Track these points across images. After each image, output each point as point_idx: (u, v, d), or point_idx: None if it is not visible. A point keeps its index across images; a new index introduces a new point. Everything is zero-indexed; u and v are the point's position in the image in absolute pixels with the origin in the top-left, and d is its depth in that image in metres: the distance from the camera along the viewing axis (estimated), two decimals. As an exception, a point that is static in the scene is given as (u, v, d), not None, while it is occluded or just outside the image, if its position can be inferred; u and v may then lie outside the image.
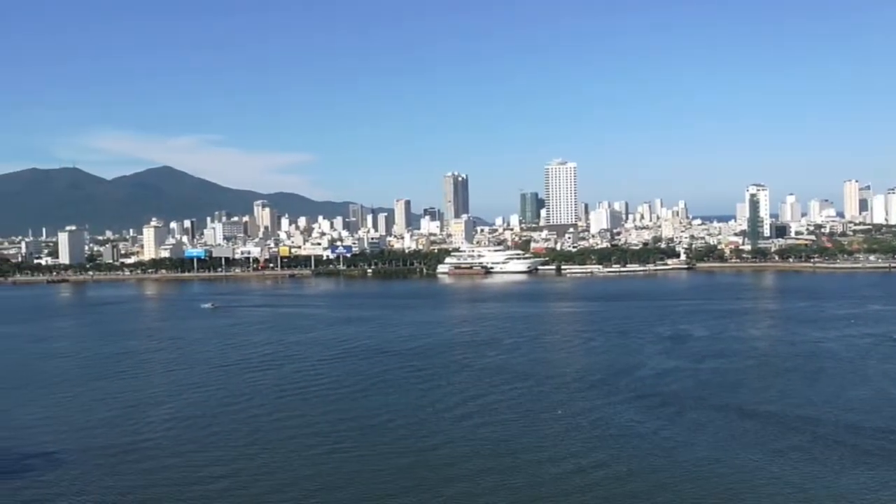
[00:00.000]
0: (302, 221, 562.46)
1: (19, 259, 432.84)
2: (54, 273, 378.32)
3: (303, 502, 59.17)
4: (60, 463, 69.74)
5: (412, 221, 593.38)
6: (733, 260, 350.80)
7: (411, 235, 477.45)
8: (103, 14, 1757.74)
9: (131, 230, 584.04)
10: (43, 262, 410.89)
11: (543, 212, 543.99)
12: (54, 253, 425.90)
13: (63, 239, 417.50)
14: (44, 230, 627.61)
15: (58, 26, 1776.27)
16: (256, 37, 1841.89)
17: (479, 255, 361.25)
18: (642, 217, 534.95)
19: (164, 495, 60.75)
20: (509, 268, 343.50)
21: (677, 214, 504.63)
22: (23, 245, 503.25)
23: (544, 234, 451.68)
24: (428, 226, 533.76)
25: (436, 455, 69.49)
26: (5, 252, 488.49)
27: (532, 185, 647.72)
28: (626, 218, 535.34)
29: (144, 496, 60.81)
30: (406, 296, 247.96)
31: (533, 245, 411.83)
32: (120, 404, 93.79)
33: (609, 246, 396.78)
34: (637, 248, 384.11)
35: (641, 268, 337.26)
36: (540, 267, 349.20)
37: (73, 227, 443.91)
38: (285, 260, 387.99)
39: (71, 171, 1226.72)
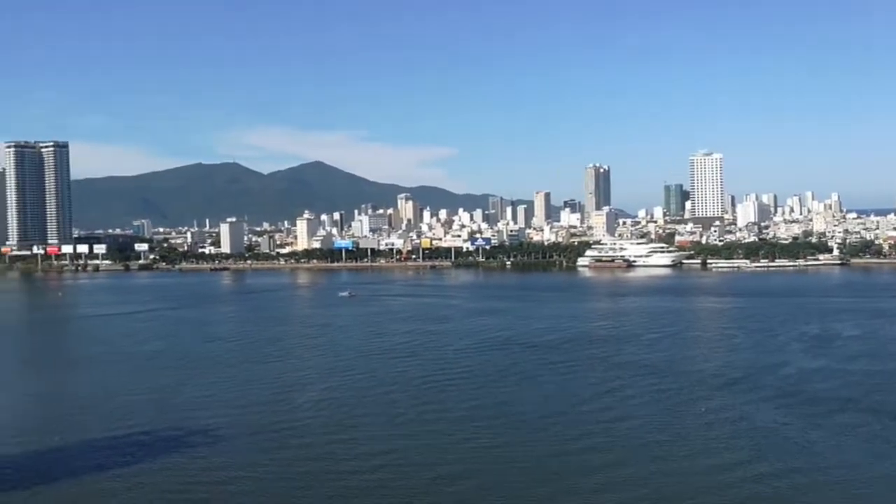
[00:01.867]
0: (443, 214, 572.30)
1: (185, 248, 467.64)
2: (216, 261, 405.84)
3: (441, 488, 60.50)
4: (218, 440, 74.48)
5: (552, 214, 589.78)
6: (893, 256, 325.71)
7: (551, 228, 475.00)
8: (258, 19, 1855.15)
9: (286, 222, 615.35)
10: (206, 251, 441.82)
11: (688, 204, 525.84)
12: (217, 242, 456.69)
13: (224, 230, 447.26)
14: (207, 221, 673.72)
15: (220, 31, 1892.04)
16: (398, 37, 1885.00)
17: (621, 248, 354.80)
18: (792, 210, 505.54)
19: (313, 475, 63.56)
20: (652, 261, 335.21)
21: (830, 207, 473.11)
22: (188, 235, 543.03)
23: (689, 227, 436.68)
24: (568, 218, 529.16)
25: (573, 448, 69.30)
26: (173, 241, 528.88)
27: (676, 177, 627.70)
28: (775, 211, 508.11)
29: (295, 475, 63.80)
30: (545, 288, 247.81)
31: (677, 238, 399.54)
32: (272, 386, 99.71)
33: (757, 240, 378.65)
34: (786, 242, 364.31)
35: (791, 263, 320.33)
36: (684, 261, 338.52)
37: (234, 219, 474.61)
38: (427, 251, 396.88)
39: (231, 167, 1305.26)
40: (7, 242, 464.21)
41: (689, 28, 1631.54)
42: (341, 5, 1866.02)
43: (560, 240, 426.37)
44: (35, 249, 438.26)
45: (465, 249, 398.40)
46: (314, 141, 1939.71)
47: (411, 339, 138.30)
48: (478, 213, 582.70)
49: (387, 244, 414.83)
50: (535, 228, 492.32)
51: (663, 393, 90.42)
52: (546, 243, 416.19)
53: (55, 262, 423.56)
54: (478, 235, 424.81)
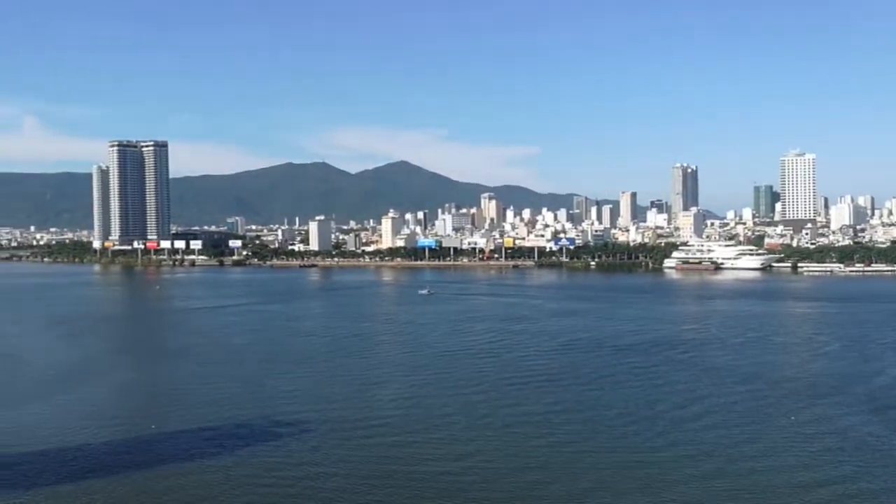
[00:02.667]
0: (526, 213, 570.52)
1: (276, 245, 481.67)
2: (305, 258, 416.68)
3: (523, 492, 59.88)
4: (304, 432, 76.50)
5: (638, 214, 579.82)
6: None
7: (637, 228, 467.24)
8: (348, 17, 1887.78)
9: (371, 220, 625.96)
10: (296, 248, 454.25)
11: (778, 206, 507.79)
12: (306, 240, 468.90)
13: (313, 228, 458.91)
14: (297, 219, 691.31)
15: (310, 33, 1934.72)
16: (482, 34, 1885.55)
17: (709, 250, 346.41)
18: (891, 213, 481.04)
19: (397, 473, 63.94)
20: (741, 264, 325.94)
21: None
22: (279, 232, 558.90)
23: (779, 229, 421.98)
24: (654, 218, 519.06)
25: (658, 456, 67.64)
26: (265, 238, 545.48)
27: (766, 178, 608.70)
28: (872, 213, 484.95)
29: (379, 472, 64.48)
30: (629, 290, 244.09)
31: (767, 241, 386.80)
32: (356, 381, 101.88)
33: (852, 243, 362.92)
34: (884, 246, 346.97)
35: (889, 268, 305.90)
36: (774, 264, 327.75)
37: (322, 217, 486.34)
38: (509, 251, 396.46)
39: (321, 166, 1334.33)
40: (110, 237, 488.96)
41: (784, 24, 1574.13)
42: (429, 4, 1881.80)
43: (646, 241, 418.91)
44: (135, 244, 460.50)
45: (548, 249, 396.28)
46: (400, 140, 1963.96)
47: (492, 339, 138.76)
48: (562, 213, 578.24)
49: (470, 243, 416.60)
50: (620, 229, 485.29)
51: (749, 400, 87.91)
52: (631, 244, 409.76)
53: (154, 257, 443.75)
54: (561, 235, 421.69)
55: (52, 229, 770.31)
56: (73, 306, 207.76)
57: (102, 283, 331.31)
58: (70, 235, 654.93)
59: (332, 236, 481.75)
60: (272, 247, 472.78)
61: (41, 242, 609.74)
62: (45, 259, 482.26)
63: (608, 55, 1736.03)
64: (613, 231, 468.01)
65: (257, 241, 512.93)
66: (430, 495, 59.42)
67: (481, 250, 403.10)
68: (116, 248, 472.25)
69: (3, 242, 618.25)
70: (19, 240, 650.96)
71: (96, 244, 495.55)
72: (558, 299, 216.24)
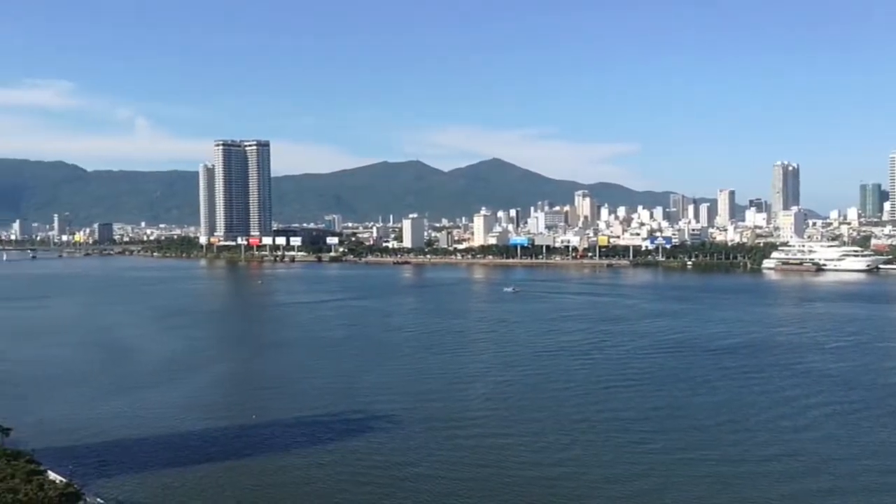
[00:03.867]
0: (621, 211, 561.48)
1: (371, 242, 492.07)
2: (398, 255, 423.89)
3: (613, 494, 59.23)
4: (395, 426, 78.64)
5: (736, 213, 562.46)
6: None
7: (735, 227, 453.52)
8: (443, 22, 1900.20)
9: (464, 218, 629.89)
10: (390, 245, 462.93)
11: (887, 205, 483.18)
12: (399, 237, 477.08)
13: (407, 225, 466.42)
14: (391, 217, 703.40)
15: (406, 33, 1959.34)
16: (582, 34, 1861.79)
17: (810, 251, 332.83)
18: None
19: (484, 471, 64.22)
20: (844, 266, 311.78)
21: None
22: (374, 230, 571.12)
23: (887, 229, 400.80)
24: (753, 218, 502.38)
25: (753, 464, 65.99)
26: (360, 235, 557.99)
27: (874, 176, 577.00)
28: None
29: (465, 470, 64.89)
30: (727, 290, 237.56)
31: (874, 242, 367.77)
32: (446, 377, 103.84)
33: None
34: None
35: None
36: (881, 266, 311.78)
37: (415, 215, 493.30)
38: (603, 249, 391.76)
39: (415, 164, 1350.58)
40: (215, 233, 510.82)
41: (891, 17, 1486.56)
42: (526, 7, 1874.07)
43: (744, 240, 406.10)
44: (239, 240, 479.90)
45: (643, 248, 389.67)
46: (493, 138, 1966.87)
47: (583, 338, 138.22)
48: (658, 211, 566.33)
49: (563, 241, 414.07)
50: (718, 228, 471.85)
51: (847, 407, 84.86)
52: (729, 244, 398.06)
53: (256, 253, 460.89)
54: (657, 234, 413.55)
55: (162, 225, 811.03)
56: (181, 299, 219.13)
57: (208, 278, 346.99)
58: (178, 231, 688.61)
59: (425, 233, 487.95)
60: (367, 244, 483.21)
61: (151, 238, 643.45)
62: (155, 254, 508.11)
63: (711, 52, 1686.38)
64: (711, 230, 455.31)
65: (353, 238, 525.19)
66: (518, 493, 59.09)
67: (574, 249, 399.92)
68: (221, 243, 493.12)
69: (117, 237, 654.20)
70: (131, 235, 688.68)
71: (202, 240, 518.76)
72: (653, 299, 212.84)
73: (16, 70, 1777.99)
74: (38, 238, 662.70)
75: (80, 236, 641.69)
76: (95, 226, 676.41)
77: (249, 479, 62.76)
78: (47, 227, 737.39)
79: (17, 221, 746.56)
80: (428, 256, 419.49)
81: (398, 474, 64.02)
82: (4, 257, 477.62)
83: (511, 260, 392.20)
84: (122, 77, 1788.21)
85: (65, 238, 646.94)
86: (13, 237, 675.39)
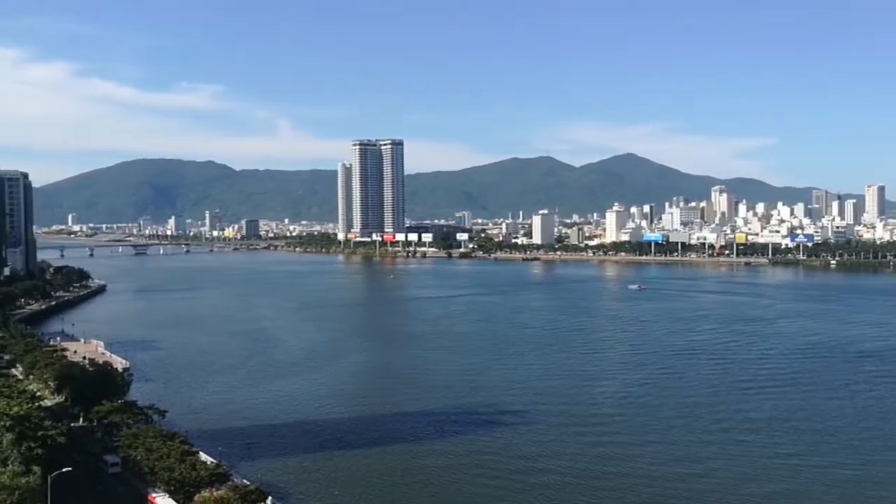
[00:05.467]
0: (760, 208, 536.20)
1: (500, 238, 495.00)
2: (528, 252, 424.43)
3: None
4: (520, 423, 79.70)
5: (886, 209, 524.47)
6: None
7: (885, 225, 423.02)
8: (575, 16, 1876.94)
9: (595, 214, 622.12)
10: (519, 241, 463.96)
11: None
12: (529, 233, 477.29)
13: (536, 221, 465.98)
14: (521, 213, 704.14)
15: (540, 30, 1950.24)
16: (710, 29, 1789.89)
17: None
18: None
19: (609, 472, 63.82)
20: None
21: None
22: (503, 226, 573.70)
23: None
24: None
25: (888, 473, 62.86)
26: (490, 231, 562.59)
27: None
28: None
29: (591, 469, 64.82)
30: (873, 291, 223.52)
31: None
32: (573, 375, 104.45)
33: None
34: None
35: None
36: None
37: (546, 211, 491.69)
38: (741, 247, 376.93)
39: (545, 160, 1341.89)
40: (352, 230, 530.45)
41: None
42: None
43: (895, 238, 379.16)
44: (374, 236, 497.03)
45: (783, 246, 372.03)
46: (626, 133, 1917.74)
47: (717, 339, 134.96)
48: (799, 208, 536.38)
49: (698, 238, 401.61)
50: (865, 225, 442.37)
51: None
52: (878, 242, 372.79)
53: (390, 248, 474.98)
54: (798, 231, 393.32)
55: (303, 222, 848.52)
56: (320, 293, 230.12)
57: (344, 272, 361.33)
58: (318, 228, 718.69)
59: (555, 230, 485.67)
60: (496, 240, 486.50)
61: (294, 234, 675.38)
62: (297, 249, 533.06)
63: (854, 36, 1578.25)
64: (857, 228, 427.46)
65: (483, 235, 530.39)
66: (650, 499, 58.21)
67: (710, 246, 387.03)
68: (357, 239, 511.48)
69: (262, 233, 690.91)
70: (275, 231, 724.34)
71: (340, 236, 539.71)
72: (793, 299, 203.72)
73: (172, 75, 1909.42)
74: (192, 233, 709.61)
75: (229, 232, 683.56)
76: (243, 222, 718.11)
77: (382, 469, 65.67)
78: (199, 223, 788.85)
79: (173, 218, 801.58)
80: (558, 253, 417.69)
81: (525, 471, 64.59)
82: (161, 251, 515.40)
83: (644, 257, 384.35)
84: (265, 80, 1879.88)
85: (215, 233, 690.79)
86: (169, 232, 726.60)
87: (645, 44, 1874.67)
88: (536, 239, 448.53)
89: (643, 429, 77.17)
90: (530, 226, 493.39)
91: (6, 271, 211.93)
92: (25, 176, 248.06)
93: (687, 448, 70.78)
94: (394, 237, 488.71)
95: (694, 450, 70.29)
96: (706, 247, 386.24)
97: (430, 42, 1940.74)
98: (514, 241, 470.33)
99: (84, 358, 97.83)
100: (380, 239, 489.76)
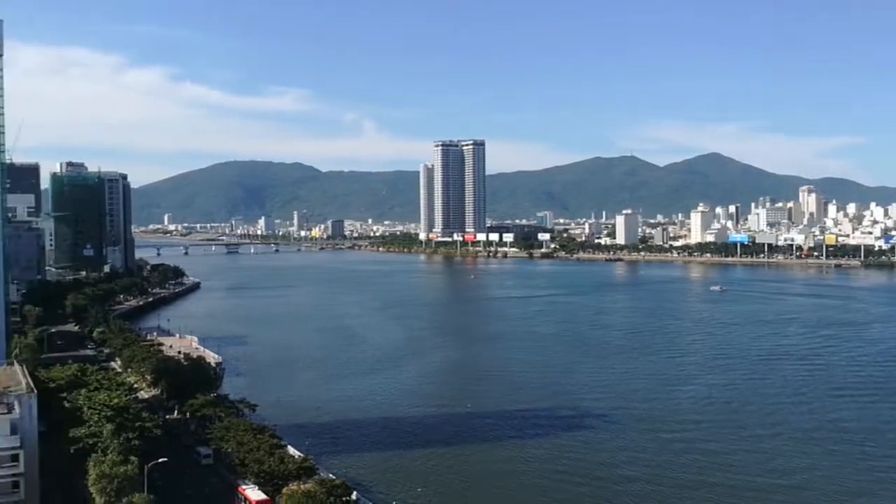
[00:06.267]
0: (851, 208, 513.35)
1: (583, 238, 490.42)
2: (611, 252, 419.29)
3: None
4: (601, 425, 79.63)
5: None
6: None
7: None
8: (658, 12, 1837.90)
9: (679, 214, 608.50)
10: (602, 241, 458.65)
11: None
12: (612, 234, 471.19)
13: (620, 221, 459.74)
14: (604, 213, 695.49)
15: (632, 27, 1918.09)
16: (808, 21, 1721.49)
17: None
18: None
19: (697, 481, 62.46)
20: None
21: None
22: (586, 226, 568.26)
23: None
24: None
25: None
26: (572, 231, 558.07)
27: None
28: None
29: (677, 476, 63.95)
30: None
31: None
32: (655, 377, 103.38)
33: None
34: None
35: None
36: None
37: (629, 211, 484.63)
38: (830, 249, 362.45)
39: (628, 160, 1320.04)
40: (433, 229, 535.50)
41: None
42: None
43: None
44: (455, 236, 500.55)
45: (876, 248, 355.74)
46: (711, 132, 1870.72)
47: (804, 343, 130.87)
48: (893, 208, 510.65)
49: (786, 239, 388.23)
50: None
51: None
52: None
53: (471, 248, 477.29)
54: (893, 233, 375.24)
55: (386, 222, 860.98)
56: (403, 291, 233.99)
57: (426, 272, 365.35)
58: (400, 228, 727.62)
59: (639, 230, 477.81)
60: (579, 240, 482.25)
61: (377, 234, 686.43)
62: (380, 248, 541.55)
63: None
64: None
65: (565, 235, 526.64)
66: None
67: (799, 247, 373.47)
68: (439, 239, 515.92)
69: (347, 233, 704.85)
70: (359, 231, 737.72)
71: (422, 236, 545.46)
72: (888, 303, 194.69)
73: (262, 79, 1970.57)
74: (280, 233, 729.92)
75: (315, 232, 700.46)
76: (328, 222, 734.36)
77: (463, 467, 66.75)
78: (287, 223, 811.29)
79: (262, 218, 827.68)
80: (642, 253, 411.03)
81: (610, 479, 63.96)
82: (252, 250, 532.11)
83: (730, 258, 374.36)
84: (350, 83, 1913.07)
85: (302, 233, 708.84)
86: (259, 232, 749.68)
87: (729, 42, 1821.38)
88: (620, 239, 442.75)
89: (730, 435, 75.60)
90: (613, 226, 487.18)
91: (106, 269, 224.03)
92: (124, 177, 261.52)
93: (778, 458, 68.78)
94: (475, 237, 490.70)
95: (785, 460, 68.24)
96: (794, 248, 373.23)
97: (511, 42, 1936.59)
98: (596, 241, 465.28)
99: (179, 352, 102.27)
100: (461, 239, 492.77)
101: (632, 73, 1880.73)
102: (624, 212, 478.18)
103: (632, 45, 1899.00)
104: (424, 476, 64.48)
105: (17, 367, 62.24)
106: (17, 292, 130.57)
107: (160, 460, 53.83)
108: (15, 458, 49.53)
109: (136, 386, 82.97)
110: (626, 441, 74.03)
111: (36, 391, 54.30)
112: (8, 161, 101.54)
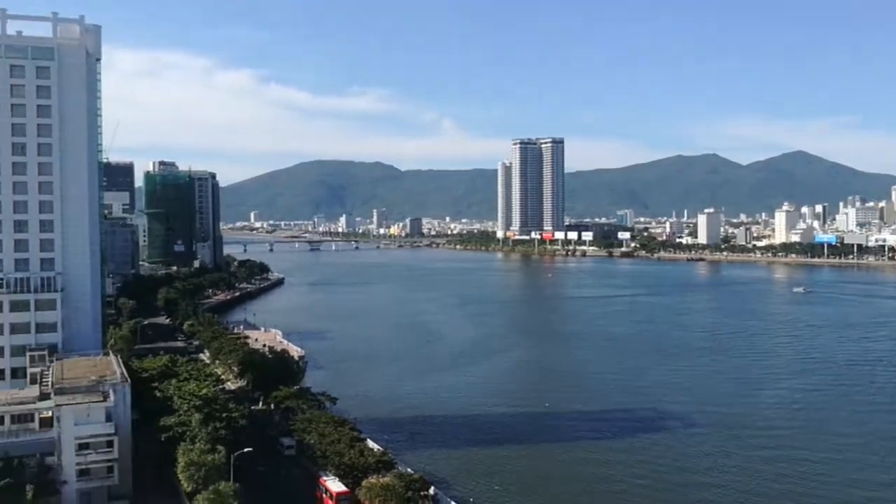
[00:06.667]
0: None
1: (664, 237, 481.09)
2: (692, 252, 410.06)
3: None
4: (679, 427, 78.71)
5: None
6: None
7: None
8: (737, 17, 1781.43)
9: (763, 214, 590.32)
10: (683, 240, 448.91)
11: None
12: (693, 233, 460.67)
13: (702, 220, 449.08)
14: (685, 212, 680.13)
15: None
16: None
17: None
18: None
19: (778, 490, 60.98)
20: None
21: None
22: (667, 225, 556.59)
23: None
24: None
25: None
26: (653, 231, 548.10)
27: None
28: None
29: (761, 481, 62.51)
30: None
31: None
32: (737, 379, 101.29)
33: None
34: None
35: None
36: None
37: (711, 210, 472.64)
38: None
39: (710, 158, 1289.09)
40: (511, 228, 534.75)
41: None
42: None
43: None
44: (533, 234, 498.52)
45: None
46: (796, 129, 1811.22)
47: (894, 348, 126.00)
48: None
49: (877, 240, 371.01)
50: None
51: None
52: None
53: (549, 246, 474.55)
54: None
55: (464, 220, 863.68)
56: (480, 289, 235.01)
57: (503, 270, 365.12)
58: (478, 226, 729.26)
59: (721, 229, 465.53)
60: (660, 239, 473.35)
61: (455, 232, 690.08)
62: (457, 246, 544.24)
63: None
64: None
65: (645, 234, 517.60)
66: None
67: (891, 248, 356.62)
68: (516, 237, 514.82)
69: (425, 231, 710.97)
70: (437, 229, 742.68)
71: (499, 234, 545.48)
72: None
73: (345, 80, 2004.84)
74: (360, 231, 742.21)
75: (394, 229, 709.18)
76: (407, 220, 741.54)
77: (539, 467, 67.09)
78: (367, 221, 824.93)
79: (343, 216, 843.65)
80: (724, 253, 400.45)
81: (690, 485, 62.97)
82: (333, 247, 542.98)
83: (816, 259, 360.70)
84: (430, 83, 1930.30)
85: (382, 231, 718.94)
86: (340, 230, 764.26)
87: (813, 35, 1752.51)
88: (701, 239, 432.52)
89: (815, 443, 73.43)
90: (695, 225, 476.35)
91: (196, 264, 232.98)
92: (213, 176, 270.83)
93: (869, 469, 66.19)
94: (553, 235, 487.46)
95: (878, 472, 65.47)
96: (886, 249, 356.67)
97: (591, 41, 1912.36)
98: (678, 240, 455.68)
99: (264, 346, 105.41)
100: (539, 237, 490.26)
101: (712, 70, 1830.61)
102: (706, 211, 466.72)
103: (712, 41, 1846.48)
104: (501, 474, 65.04)
105: (112, 356, 65.90)
106: (112, 286, 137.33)
107: (245, 450, 55.50)
108: (110, 443, 52.42)
109: (223, 377, 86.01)
110: (710, 446, 72.62)
111: (129, 380, 57.52)
112: (105, 160, 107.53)
